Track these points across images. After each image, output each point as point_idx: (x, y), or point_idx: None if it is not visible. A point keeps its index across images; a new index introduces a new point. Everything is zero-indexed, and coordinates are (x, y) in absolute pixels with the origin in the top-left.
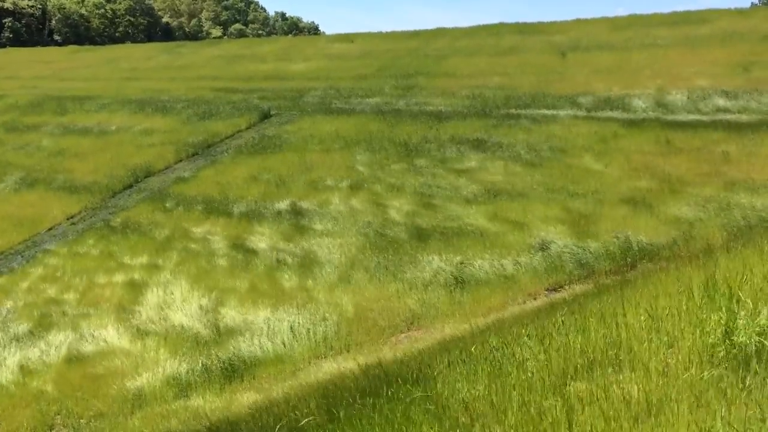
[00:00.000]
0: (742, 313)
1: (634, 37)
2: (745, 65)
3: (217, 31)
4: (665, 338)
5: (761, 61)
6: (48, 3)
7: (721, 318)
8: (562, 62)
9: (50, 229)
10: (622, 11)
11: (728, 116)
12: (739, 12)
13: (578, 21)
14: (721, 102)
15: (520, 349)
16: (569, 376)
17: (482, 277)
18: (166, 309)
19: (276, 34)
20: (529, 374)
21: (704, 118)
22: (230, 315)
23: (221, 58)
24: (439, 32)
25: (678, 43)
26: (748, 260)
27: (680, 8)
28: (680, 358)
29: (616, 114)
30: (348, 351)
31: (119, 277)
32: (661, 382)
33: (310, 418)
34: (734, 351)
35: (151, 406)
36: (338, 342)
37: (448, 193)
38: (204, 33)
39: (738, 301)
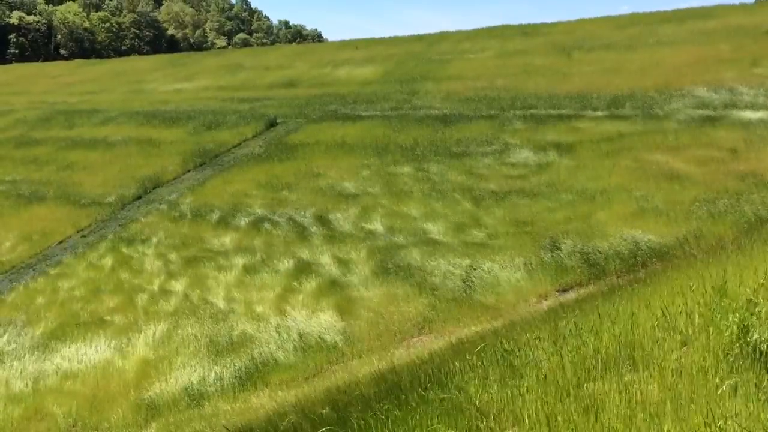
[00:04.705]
0: (757, 310)
1: (638, 35)
2: (751, 60)
3: (221, 41)
4: (678, 337)
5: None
6: (54, 17)
7: (735, 316)
8: (567, 62)
9: (61, 242)
10: (626, 9)
11: (736, 112)
12: (744, 8)
13: (582, 21)
14: (728, 98)
15: (534, 351)
16: (584, 378)
17: (492, 279)
18: (181, 317)
19: (280, 42)
20: (543, 376)
21: (712, 114)
22: (242, 322)
23: (226, 67)
24: (443, 36)
25: (683, 40)
26: (761, 257)
27: (684, 5)
28: (694, 357)
29: (622, 112)
30: (360, 357)
31: (131, 289)
32: (675, 382)
33: (324, 428)
34: (749, 349)
35: (166, 415)
36: (350, 348)
37: (457, 196)
38: (209, 43)
39: (752, 300)
